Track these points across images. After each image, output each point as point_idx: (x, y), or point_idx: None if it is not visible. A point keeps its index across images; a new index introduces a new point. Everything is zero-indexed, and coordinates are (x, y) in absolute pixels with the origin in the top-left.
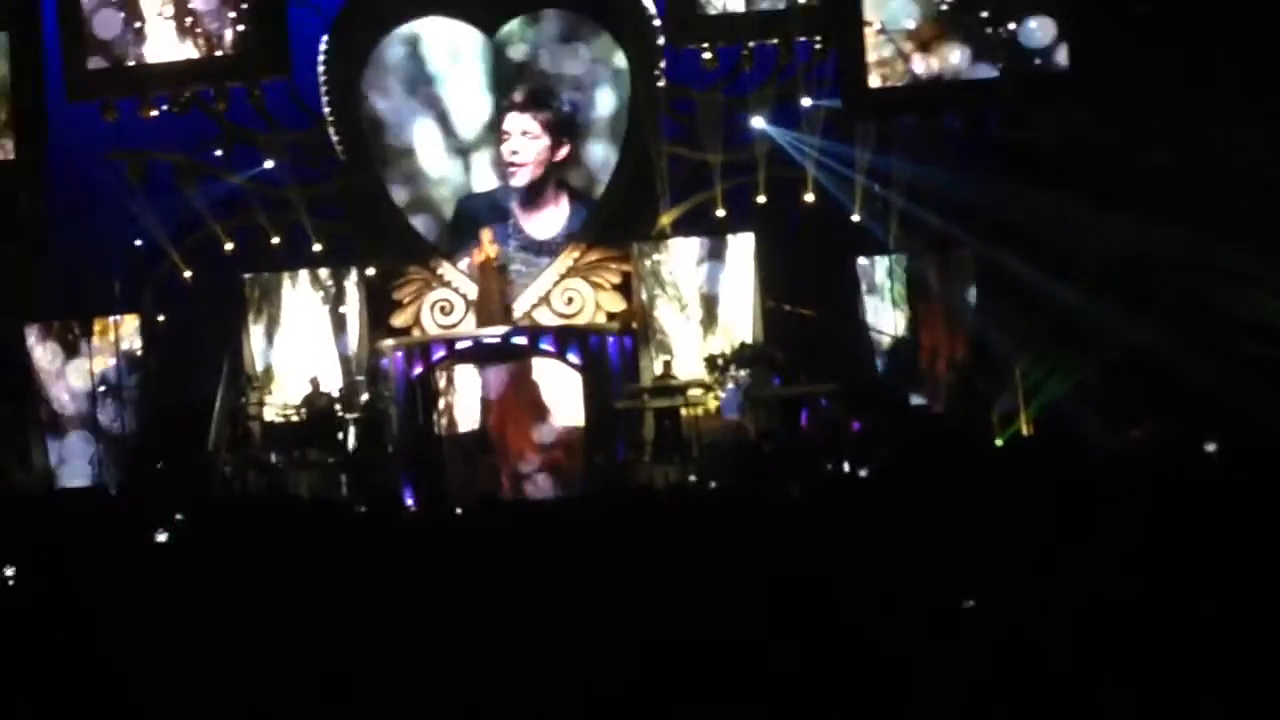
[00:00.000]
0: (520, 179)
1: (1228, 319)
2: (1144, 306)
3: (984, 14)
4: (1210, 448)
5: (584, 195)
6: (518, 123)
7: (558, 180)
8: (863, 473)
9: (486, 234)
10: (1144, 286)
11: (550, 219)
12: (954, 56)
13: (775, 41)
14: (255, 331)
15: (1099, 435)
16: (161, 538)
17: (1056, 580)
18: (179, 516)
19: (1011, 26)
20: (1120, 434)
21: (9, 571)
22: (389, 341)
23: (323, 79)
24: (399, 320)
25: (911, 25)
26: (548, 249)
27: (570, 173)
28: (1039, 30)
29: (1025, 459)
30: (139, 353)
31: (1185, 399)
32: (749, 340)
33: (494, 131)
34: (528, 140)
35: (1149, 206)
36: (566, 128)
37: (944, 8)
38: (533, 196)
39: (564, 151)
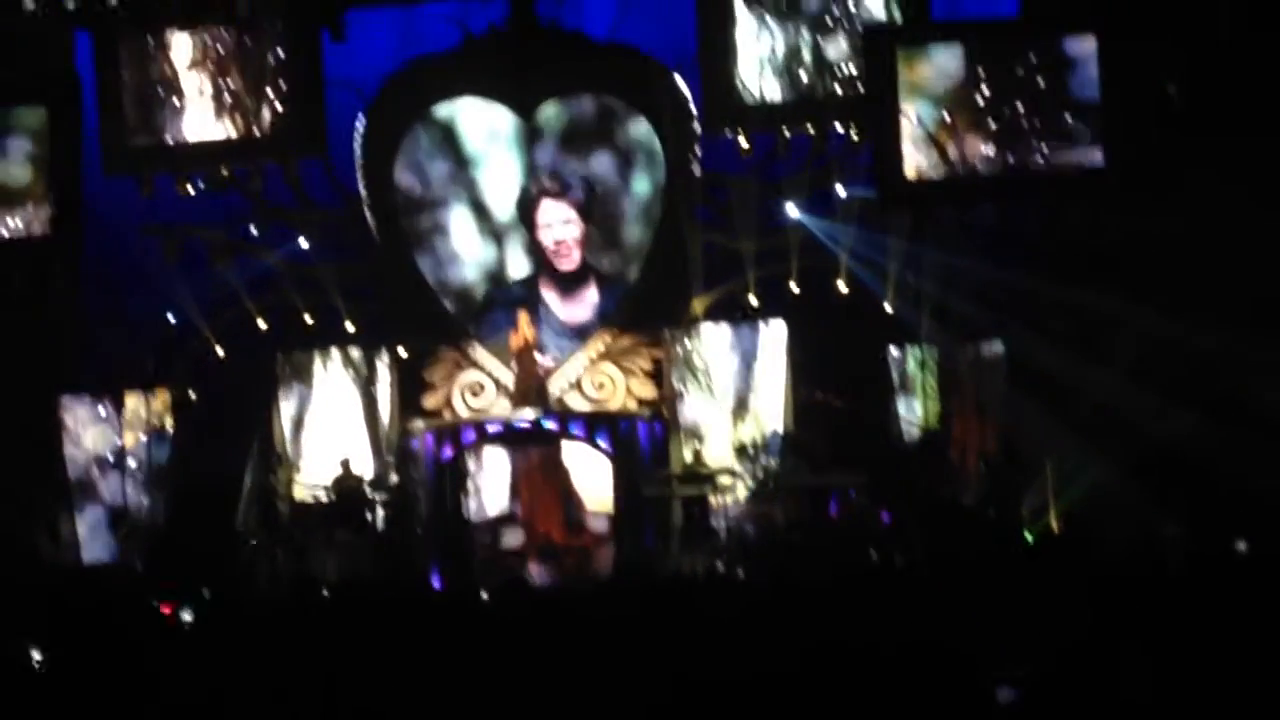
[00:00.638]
0: (569, 263)
1: (1263, 416)
2: (1178, 401)
3: (1020, 108)
4: (1241, 546)
5: (614, 279)
6: (556, 212)
7: (586, 264)
8: (893, 564)
9: (524, 316)
10: (1178, 381)
11: (582, 304)
12: (990, 149)
13: (811, 130)
14: (286, 410)
15: (1129, 532)
16: (187, 617)
17: (1086, 675)
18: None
19: (1048, 121)
20: (1151, 531)
21: (36, 655)
22: (419, 423)
23: (359, 159)
24: (430, 402)
25: (948, 117)
26: (579, 333)
27: (599, 257)
28: (1075, 125)
29: (1055, 554)
30: (169, 428)
31: (1218, 496)
32: (779, 429)
33: (526, 216)
34: (569, 227)
35: (1184, 300)
36: (594, 210)
37: (981, 101)
38: (568, 282)
39: (594, 234)
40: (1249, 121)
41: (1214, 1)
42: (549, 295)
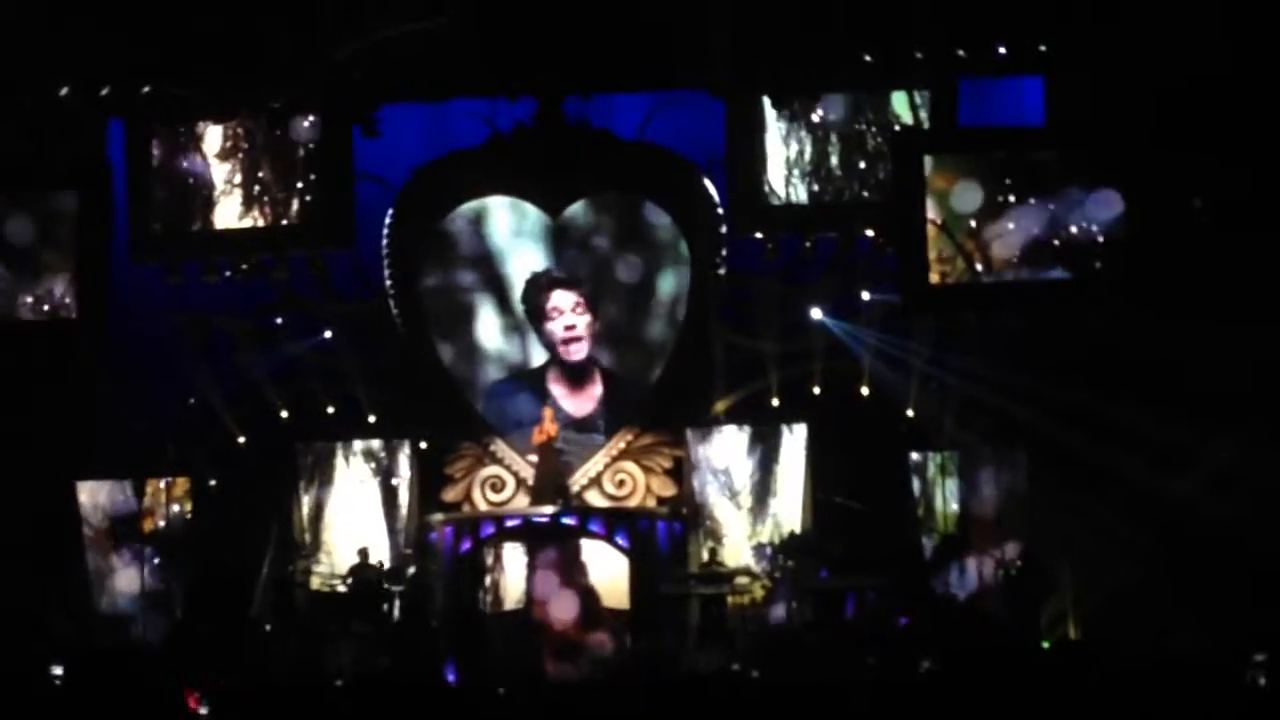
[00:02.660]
0: (579, 353)
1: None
2: (1202, 509)
3: (1047, 217)
4: (1259, 658)
5: (626, 376)
6: (566, 298)
7: (592, 358)
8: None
9: (548, 412)
10: (1202, 489)
11: (587, 397)
12: (1014, 257)
13: (836, 233)
14: (305, 500)
15: (1148, 641)
16: (203, 711)
17: None
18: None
19: (1074, 230)
20: (1169, 640)
21: None
22: (438, 516)
23: (385, 253)
24: (450, 495)
25: (973, 224)
26: (589, 427)
27: (616, 353)
28: (1101, 236)
29: (1072, 662)
30: (189, 515)
31: (1237, 608)
32: (798, 530)
33: (534, 310)
34: (579, 315)
35: (1205, 409)
36: (601, 305)
37: (1006, 208)
38: (576, 374)
39: (603, 329)
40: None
41: (1244, 114)
42: (556, 389)
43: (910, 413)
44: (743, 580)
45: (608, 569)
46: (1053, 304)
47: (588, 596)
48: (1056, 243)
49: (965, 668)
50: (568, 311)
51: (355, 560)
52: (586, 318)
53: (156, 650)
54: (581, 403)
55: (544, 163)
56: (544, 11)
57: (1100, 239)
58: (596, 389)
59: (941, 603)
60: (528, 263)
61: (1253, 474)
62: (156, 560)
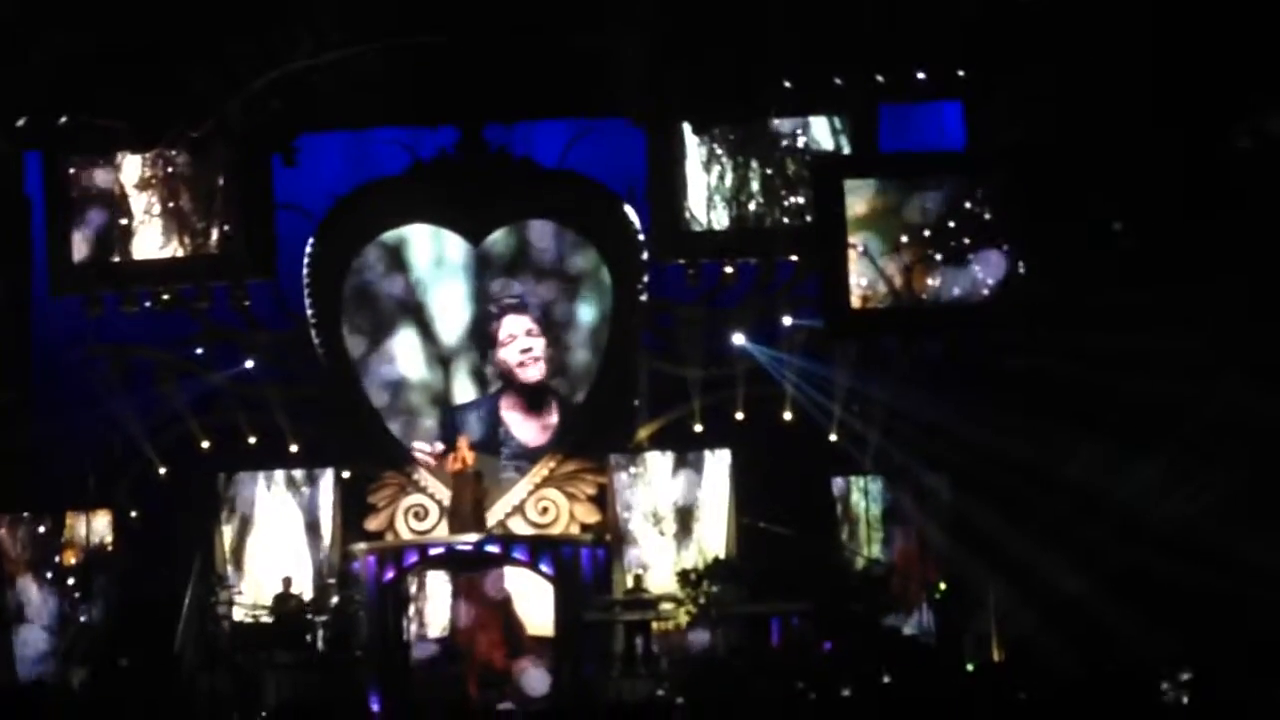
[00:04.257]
0: (532, 373)
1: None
2: (1123, 533)
3: (967, 240)
4: (1184, 676)
5: (568, 403)
6: (519, 323)
7: (548, 387)
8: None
9: (464, 440)
10: (1123, 515)
11: (542, 426)
12: (935, 280)
13: (758, 259)
14: (227, 530)
15: (1070, 663)
16: None
17: None
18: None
19: (993, 253)
20: (1090, 662)
21: None
22: (361, 545)
23: (306, 282)
24: (373, 524)
25: (894, 248)
26: (534, 456)
27: (557, 380)
28: (1018, 257)
29: (996, 684)
30: (110, 547)
31: (1158, 628)
32: (722, 555)
33: (481, 338)
34: (533, 339)
35: (1129, 434)
36: (555, 330)
37: (927, 233)
38: (530, 402)
39: (553, 353)
40: (1196, 259)
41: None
42: (510, 415)
43: (833, 437)
44: (667, 606)
45: (532, 596)
46: (974, 327)
47: (512, 624)
48: (977, 267)
49: (890, 691)
50: (521, 335)
51: (279, 590)
52: (541, 340)
53: (79, 685)
54: (535, 431)
55: (466, 191)
56: (464, 39)
57: (1020, 264)
58: (551, 418)
59: (866, 627)
60: (450, 291)
61: (1177, 492)
62: (78, 594)
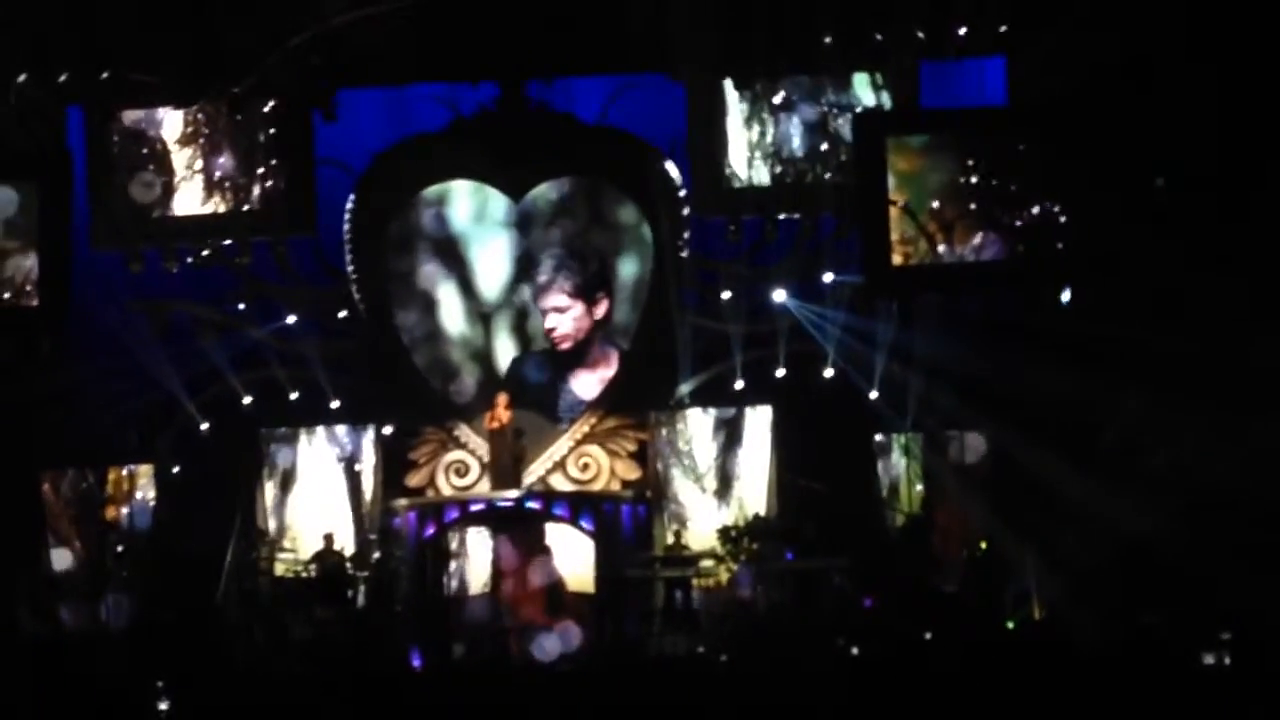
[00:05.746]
0: (565, 345)
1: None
2: (1162, 491)
3: (1008, 196)
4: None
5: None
6: (549, 300)
7: (604, 337)
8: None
9: (502, 398)
10: (1161, 471)
11: (598, 378)
12: (976, 238)
13: (800, 215)
14: (269, 486)
15: (1111, 620)
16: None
17: None
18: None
19: (1035, 210)
20: (1133, 619)
21: None
22: (402, 501)
23: (347, 238)
24: (413, 480)
25: (935, 205)
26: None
27: (613, 329)
28: (1061, 214)
29: (1036, 642)
30: (152, 503)
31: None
32: (763, 513)
33: (516, 296)
34: (561, 316)
35: (1168, 389)
36: (597, 285)
37: (968, 190)
38: (578, 359)
39: (602, 308)
40: (1234, 216)
41: (1206, 99)
42: (564, 373)
43: (874, 395)
44: (708, 563)
45: (572, 553)
46: (1015, 285)
47: (552, 580)
48: (1019, 223)
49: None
50: (550, 313)
51: (319, 546)
52: (571, 313)
53: (120, 639)
54: (591, 384)
55: (506, 146)
56: None
57: (1062, 219)
58: (611, 368)
59: (907, 584)
60: (491, 247)
61: (1219, 451)
62: (120, 549)
